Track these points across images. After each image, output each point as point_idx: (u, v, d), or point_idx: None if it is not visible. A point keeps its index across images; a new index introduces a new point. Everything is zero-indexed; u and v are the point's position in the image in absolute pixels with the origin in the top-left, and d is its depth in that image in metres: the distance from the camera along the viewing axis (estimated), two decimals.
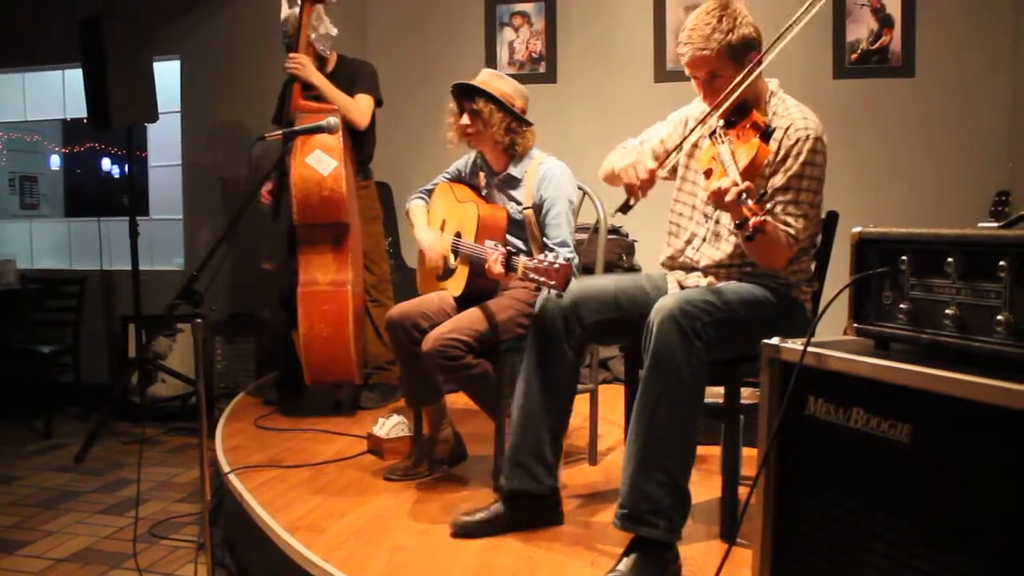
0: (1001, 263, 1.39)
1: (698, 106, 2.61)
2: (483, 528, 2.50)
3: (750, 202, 1.99)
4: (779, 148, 2.31)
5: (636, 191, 2.30)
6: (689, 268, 2.54)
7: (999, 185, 4.50)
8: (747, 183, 2.03)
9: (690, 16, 2.38)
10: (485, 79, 3.06)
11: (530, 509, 2.53)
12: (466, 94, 3.03)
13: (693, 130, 2.42)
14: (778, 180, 2.30)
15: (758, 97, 2.42)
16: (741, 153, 2.19)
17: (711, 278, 2.47)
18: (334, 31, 4.12)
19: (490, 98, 2.99)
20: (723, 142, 2.25)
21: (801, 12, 2.26)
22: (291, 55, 3.95)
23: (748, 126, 2.26)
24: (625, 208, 2.34)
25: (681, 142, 2.46)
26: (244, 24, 5.35)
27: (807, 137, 2.30)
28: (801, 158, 2.29)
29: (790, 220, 2.28)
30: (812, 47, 4.83)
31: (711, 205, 2.27)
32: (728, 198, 2.01)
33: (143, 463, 4.27)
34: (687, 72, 2.43)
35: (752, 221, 1.96)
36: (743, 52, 2.34)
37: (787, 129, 2.33)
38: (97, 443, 4.48)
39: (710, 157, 2.28)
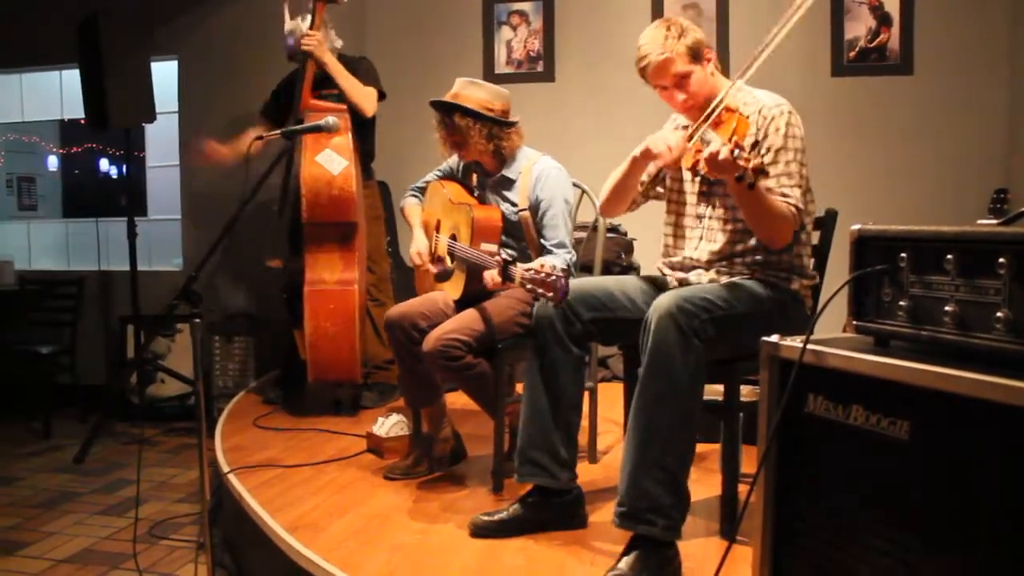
0: (1000, 260, 1.39)
1: (672, 123, 2.68)
2: (502, 528, 2.49)
3: (744, 154, 2.04)
4: (756, 128, 2.36)
5: (669, 163, 2.37)
6: (689, 267, 2.54)
7: (998, 182, 4.49)
8: (735, 139, 2.09)
9: (639, 39, 2.48)
10: (459, 90, 3.06)
11: (550, 508, 2.52)
12: (444, 110, 3.04)
13: (707, 117, 2.38)
14: (767, 158, 2.34)
15: (717, 95, 2.44)
16: (723, 129, 2.28)
17: (712, 272, 2.47)
18: (339, 43, 4.17)
19: (465, 111, 2.99)
20: (704, 129, 2.32)
21: (781, 25, 2.30)
22: (307, 32, 3.95)
23: (721, 112, 2.33)
24: (657, 178, 2.46)
25: (705, 117, 2.40)
26: (242, 24, 5.34)
27: (780, 112, 2.37)
28: (780, 131, 2.35)
29: (787, 191, 2.31)
30: (810, 45, 4.83)
31: (710, 175, 2.29)
32: (722, 156, 2.05)
33: (142, 464, 4.27)
34: (653, 85, 2.49)
35: (751, 164, 2.00)
36: (700, 50, 2.44)
37: (760, 110, 2.39)
38: (96, 444, 4.48)
39: (695, 151, 2.31)
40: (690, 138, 2.37)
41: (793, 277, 2.43)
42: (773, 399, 1.74)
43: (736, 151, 2.04)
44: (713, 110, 2.34)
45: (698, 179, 2.52)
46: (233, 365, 5.15)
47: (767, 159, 2.33)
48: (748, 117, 2.34)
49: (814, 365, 1.64)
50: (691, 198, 2.56)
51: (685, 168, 2.46)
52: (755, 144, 2.34)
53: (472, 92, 3.04)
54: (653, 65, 2.42)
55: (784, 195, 2.30)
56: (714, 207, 2.49)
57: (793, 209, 2.30)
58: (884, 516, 1.50)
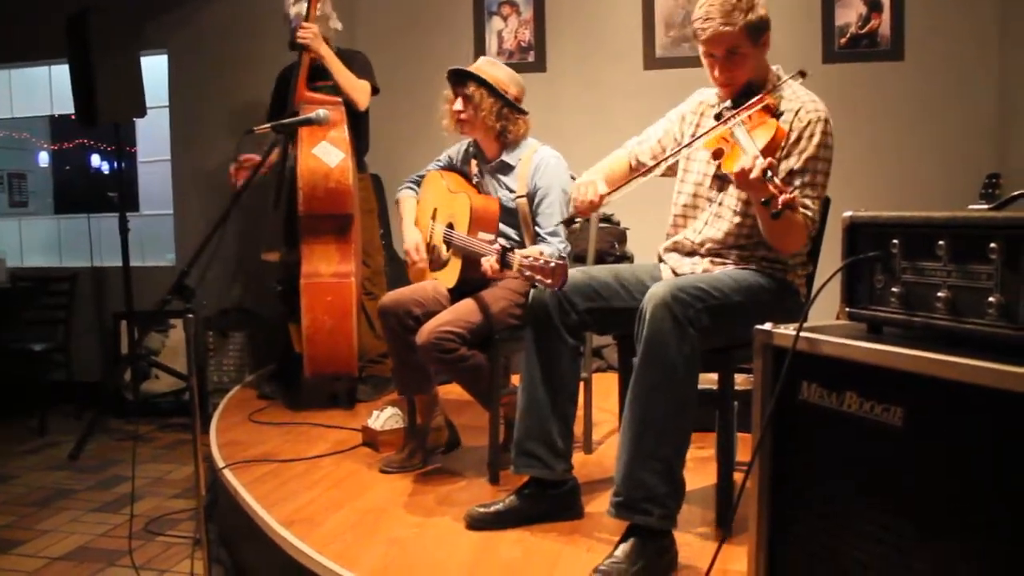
0: (992, 245, 1.39)
1: (693, 100, 2.62)
2: (498, 520, 2.49)
3: (776, 179, 1.98)
4: (791, 130, 2.30)
5: (581, 211, 2.43)
6: (687, 252, 2.53)
7: (989, 167, 4.50)
8: (770, 159, 2.02)
9: None
10: (480, 66, 3.07)
11: (545, 499, 2.52)
12: (460, 80, 3.04)
13: (692, 141, 2.40)
14: (794, 163, 2.29)
15: (765, 81, 2.40)
16: (759, 133, 2.19)
17: (707, 262, 2.46)
18: (339, 26, 4.19)
19: (481, 83, 2.99)
20: (736, 123, 2.24)
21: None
22: (303, 24, 3.95)
23: (760, 107, 2.26)
24: (569, 222, 2.49)
25: (654, 166, 2.47)
26: (232, 18, 5.32)
27: (819, 119, 2.30)
28: (815, 140, 2.29)
29: (808, 203, 2.26)
30: (801, 31, 4.82)
31: (736, 186, 2.24)
32: (753, 175, 2.00)
33: (137, 460, 4.26)
34: (702, 50, 2.37)
35: (782, 198, 1.93)
36: (760, 32, 2.32)
37: (797, 111, 2.32)
38: (91, 440, 4.47)
39: (719, 137, 2.27)
40: (718, 119, 2.34)
41: (788, 267, 2.42)
42: (767, 387, 1.74)
43: (768, 173, 1.97)
44: (751, 107, 2.26)
45: (716, 162, 2.42)
46: (228, 360, 5.14)
47: (795, 165, 2.28)
48: (782, 116, 2.29)
49: (808, 353, 1.64)
50: (705, 179, 2.50)
51: (707, 149, 2.36)
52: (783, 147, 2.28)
53: (492, 70, 3.06)
54: (712, 32, 2.28)
55: (804, 206, 2.25)
56: (726, 194, 2.44)
57: (810, 222, 2.27)
58: (878, 502, 1.51)
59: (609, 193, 2.40)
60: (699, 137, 2.37)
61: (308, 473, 3.12)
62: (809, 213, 2.26)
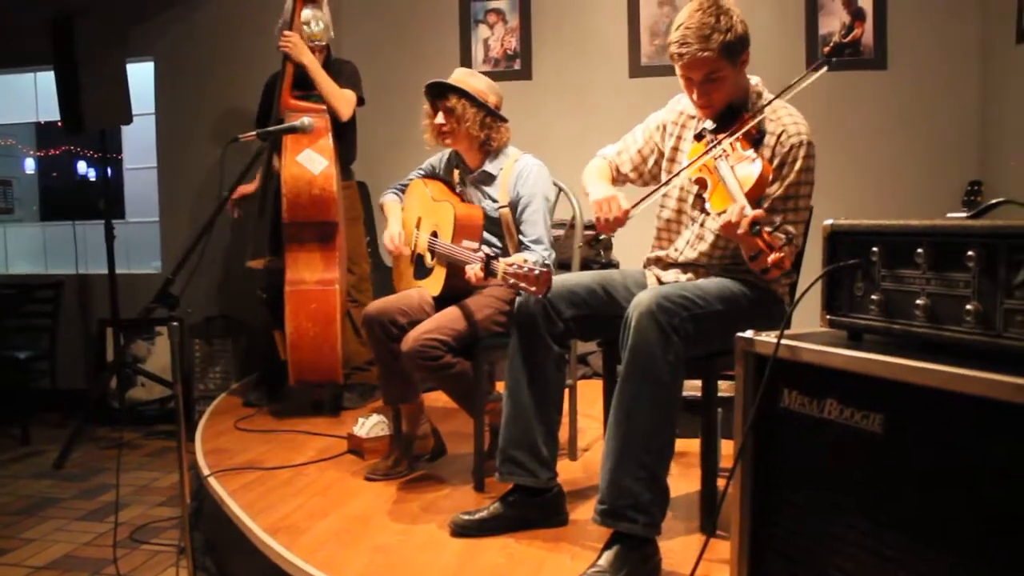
0: (969, 253, 1.40)
1: (673, 109, 2.61)
2: (482, 527, 2.50)
3: (765, 233, 1.95)
4: (773, 155, 2.30)
5: (607, 228, 2.37)
6: (668, 265, 2.54)
7: (972, 175, 4.54)
8: (758, 211, 2.00)
9: (683, 12, 2.30)
10: (459, 77, 3.07)
11: (530, 506, 2.52)
12: (439, 93, 3.04)
13: (679, 173, 2.39)
14: (777, 190, 2.28)
15: (744, 98, 2.41)
16: (743, 171, 2.17)
17: (690, 274, 2.47)
18: (332, 34, 4.17)
19: (463, 94, 2.99)
20: (720, 156, 2.23)
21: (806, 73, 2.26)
22: (285, 33, 3.95)
23: (741, 135, 2.25)
24: (595, 241, 2.45)
25: (667, 182, 2.44)
26: (219, 25, 5.32)
27: (800, 143, 2.29)
28: (797, 165, 2.29)
29: (790, 228, 2.23)
30: (785, 40, 4.85)
31: (722, 234, 2.24)
32: (740, 231, 1.98)
33: (122, 468, 4.24)
34: (680, 72, 2.35)
35: (771, 258, 1.91)
36: (739, 51, 2.31)
37: (779, 136, 2.31)
38: (75, 449, 4.44)
39: (702, 165, 2.27)
40: (699, 139, 2.35)
41: (772, 278, 2.43)
42: (749, 394, 1.75)
43: (756, 227, 1.95)
44: (732, 132, 2.26)
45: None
46: (214, 368, 5.13)
47: (778, 192, 2.28)
48: (764, 141, 2.29)
49: (789, 360, 1.65)
50: (689, 196, 2.50)
51: (689, 176, 2.37)
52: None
53: (471, 80, 3.06)
54: (691, 58, 2.26)
55: (787, 232, 2.18)
56: (710, 217, 2.42)
57: (793, 247, 2.24)
58: (858, 508, 1.52)
59: (633, 207, 2.35)
60: (678, 173, 2.38)
61: (293, 481, 3.12)
62: (794, 241, 2.26)
